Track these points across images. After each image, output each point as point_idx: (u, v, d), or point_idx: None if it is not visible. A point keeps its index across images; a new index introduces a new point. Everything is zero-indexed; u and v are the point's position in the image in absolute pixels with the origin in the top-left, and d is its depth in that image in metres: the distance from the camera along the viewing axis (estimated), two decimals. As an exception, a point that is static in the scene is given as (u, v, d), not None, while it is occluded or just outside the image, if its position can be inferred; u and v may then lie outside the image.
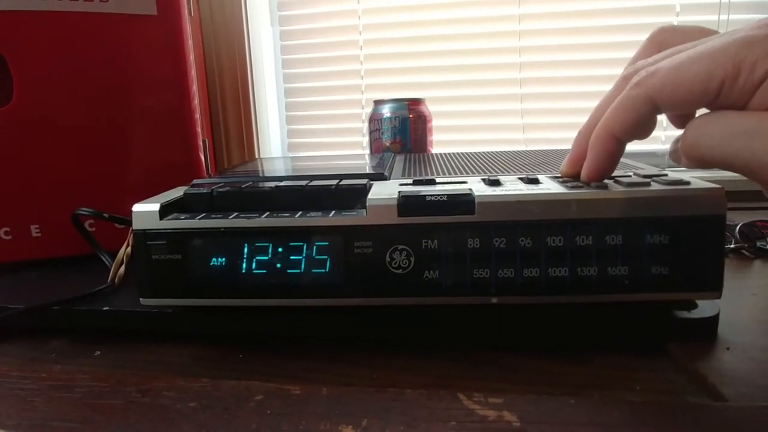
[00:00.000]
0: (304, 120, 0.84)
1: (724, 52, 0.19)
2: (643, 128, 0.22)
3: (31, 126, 0.38)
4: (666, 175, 0.26)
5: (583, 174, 0.24)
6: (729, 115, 0.19)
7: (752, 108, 0.19)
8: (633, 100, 0.21)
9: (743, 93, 0.19)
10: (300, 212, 0.26)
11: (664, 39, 0.24)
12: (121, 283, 0.33)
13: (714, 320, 0.26)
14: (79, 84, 0.38)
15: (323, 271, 0.26)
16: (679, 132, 0.22)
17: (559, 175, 0.27)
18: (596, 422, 0.19)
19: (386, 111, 0.61)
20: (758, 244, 0.40)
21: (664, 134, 0.71)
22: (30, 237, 0.39)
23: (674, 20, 0.71)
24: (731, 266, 0.38)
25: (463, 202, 0.24)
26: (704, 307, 0.26)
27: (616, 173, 0.27)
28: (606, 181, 0.25)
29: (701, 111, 0.21)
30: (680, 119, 0.26)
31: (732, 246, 0.40)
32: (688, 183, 0.24)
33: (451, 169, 0.36)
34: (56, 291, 0.31)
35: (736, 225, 0.42)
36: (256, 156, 0.76)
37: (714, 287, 0.24)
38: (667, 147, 0.69)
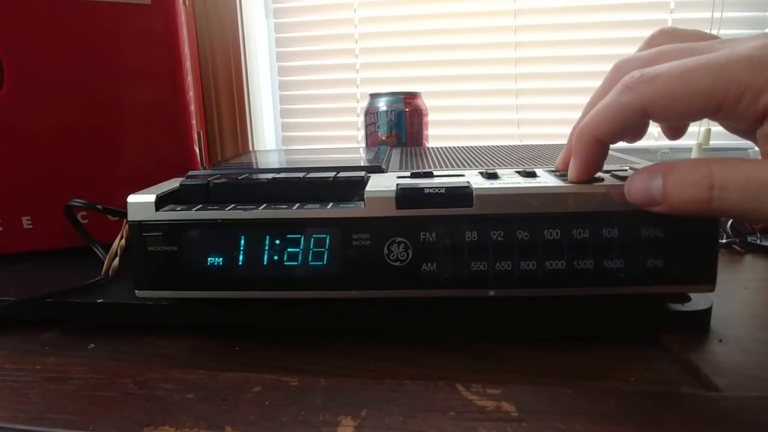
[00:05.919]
0: (298, 113, 0.84)
1: (729, 70, 0.18)
2: (630, 133, 0.21)
3: (23, 116, 0.37)
4: (662, 169, 0.27)
5: (571, 175, 0.24)
6: (748, 164, 0.18)
7: (762, 134, 0.18)
8: (623, 107, 0.20)
9: (745, 116, 0.18)
10: (297, 204, 0.26)
11: (662, 43, 0.23)
12: (115, 276, 0.33)
13: (707, 313, 0.26)
14: (72, 74, 0.38)
15: (321, 263, 0.25)
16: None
17: (555, 169, 0.27)
18: (592, 412, 0.20)
19: (382, 104, 0.61)
20: (749, 239, 0.40)
21: (657, 131, 0.72)
22: (22, 228, 0.39)
23: (668, 17, 0.72)
24: (723, 261, 0.38)
25: (462, 194, 0.24)
26: (697, 300, 0.27)
27: (612, 167, 0.27)
28: (603, 174, 0.25)
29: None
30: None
31: (724, 241, 0.40)
32: (683, 177, 0.24)
33: (447, 163, 0.36)
34: (49, 283, 0.31)
35: (728, 220, 0.42)
36: (250, 149, 0.75)
37: (708, 281, 0.24)
38: (660, 143, 0.70)
